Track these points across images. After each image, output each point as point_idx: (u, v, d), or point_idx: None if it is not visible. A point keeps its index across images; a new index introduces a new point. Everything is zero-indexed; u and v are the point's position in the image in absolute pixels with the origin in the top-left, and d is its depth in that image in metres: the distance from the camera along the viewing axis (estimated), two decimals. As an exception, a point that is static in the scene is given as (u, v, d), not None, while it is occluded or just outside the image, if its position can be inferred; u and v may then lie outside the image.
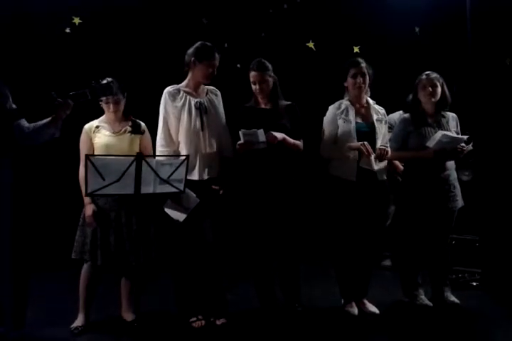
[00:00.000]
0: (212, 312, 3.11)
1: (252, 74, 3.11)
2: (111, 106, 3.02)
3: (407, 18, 4.80)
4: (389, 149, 3.17)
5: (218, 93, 3.19)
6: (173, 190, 2.61)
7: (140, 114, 3.19)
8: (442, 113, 3.37)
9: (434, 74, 3.33)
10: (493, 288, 3.71)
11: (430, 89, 3.29)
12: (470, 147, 3.31)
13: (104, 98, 2.90)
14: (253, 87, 3.14)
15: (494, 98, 4.17)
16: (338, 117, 3.22)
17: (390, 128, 3.51)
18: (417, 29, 4.95)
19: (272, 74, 3.15)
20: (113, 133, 3.04)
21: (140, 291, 3.16)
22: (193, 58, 3.02)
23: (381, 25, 4.77)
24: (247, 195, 3.15)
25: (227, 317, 3.11)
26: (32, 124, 2.76)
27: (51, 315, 3.24)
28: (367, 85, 3.24)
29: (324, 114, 3.32)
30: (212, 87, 3.19)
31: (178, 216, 2.96)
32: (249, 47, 4.58)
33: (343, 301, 3.32)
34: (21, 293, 2.79)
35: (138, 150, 2.99)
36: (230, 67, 4.29)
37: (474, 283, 3.78)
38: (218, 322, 3.09)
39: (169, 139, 3.03)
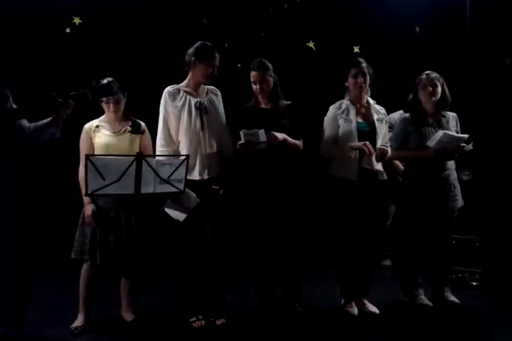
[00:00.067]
0: (212, 312, 3.11)
1: (253, 74, 3.11)
2: (111, 105, 3.02)
3: (407, 18, 4.79)
4: (389, 149, 3.17)
5: (218, 93, 3.19)
6: (173, 189, 2.61)
7: (140, 113, 3.19)
8: (442, 112, 3.37)
9: (434, 74, 3.33)
10: (493, 287, 3.71)
11: (430, 88, 3.29)
12: (470, 146, 3.31)
13: (104, 98, 2.90)
14: (253, 86, 3.14)
15: (494, 98, 4.17)
16: (338, 117, 3.22)
17: (391, 127, 3.51)
18: (417, 29, 4.95)
19: (273, 74, 3.15)
20: (113, 132, 3.04)
21: (140, 291, 3.15)
22: (193, 58, 3.02)
23: (381, 25, 4.77)
24: (247, 195, 3.15)
25: (227, 318, 3.11)
26: (32, 124, 2.76)
27: (51, 315, 3.23)
28: (367, 85, 3.24)
29: (324, 114, 3.32)
30: (212, 87, 3.19)
31: (178, 216, 2.95)
32: (249, 47, 4.58)
33: (343, 301, 3.32)
34: (22, 293, 2.79)
35: (138, 150, 2.98)
36: (230, 67, 4.29)
37: (474, 283, 3.78)
38: (218, 322, 3.09)
39: (169, 139, 3.03)
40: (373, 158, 3.12)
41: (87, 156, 2.47)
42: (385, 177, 3.28)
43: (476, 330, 3.05)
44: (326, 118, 3.30)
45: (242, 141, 2.99)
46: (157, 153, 3.02)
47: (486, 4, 4.16)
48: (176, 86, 3.09)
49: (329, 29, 4.85)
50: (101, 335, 2.99)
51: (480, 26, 4.11)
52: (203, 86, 3.14)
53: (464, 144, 3.25)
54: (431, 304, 3.35)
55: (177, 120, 3.03)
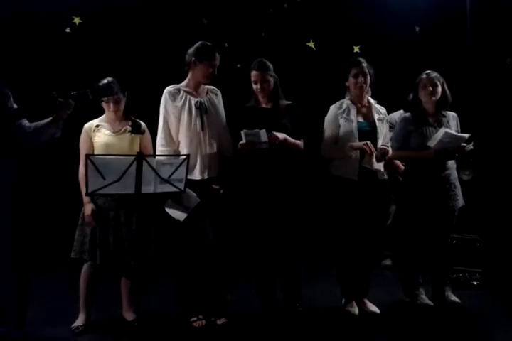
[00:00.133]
0: (213, 312, 3.11)
1: (254, 73, 3.11)
2: (111, 105, 3.02)
3: (407, 18, 4.80)
4: (390, 149, 3.17)
5: (218, 93, 3.19)
6: (174, 189, 2.61)
7: (140, 113, 3.19)
8: (443, 112, 3.37)
9: (435, 74, 3.33)
10: (493, 287, 3.70)
11: (430, 88, 3.29)
12: (471, 146, 3.31)
13: (105, 98, 2.91)
14: (254, 86, 3.14)
15: (495, 97, 4.17)
16: (339, 117, 3.22)
17: (391, 127, 3.51)
18: (417, 29, 4.95)
19: (273, 73, 3.15)
20: (113, 132, 3.04)
21: (140, 291, 3.16)
22: (193, 58, 3.02)
23: (381, 25, 4.77)
24: (247, 195, 3.15)
25: (227, 317, 3.11)
26: (33, 124, 2.76)
27: (52, 315, 3.24)
28: (368, 85, 3.24)
29: (325, 114, 3.32)
30: (212, 87, 3.19)
31: (179, 215, 2.95)
32: (249, 47, 4.58)
33: (343, 301, 3.32)
34: (22, 293, 2.79)
35: (138, 150, 2.99)
36: (231, 67, 4.29)
37: (475, 283, 3.78)
38: (219, 322, 3.09)
39: (169, 139, 3.03)
40: (373, 158, 3.12)
41: (87, 156, 2.47)
42: (386, 176, 3.28)
43: (476, 330, 3.04)
44: (326, 118, 3.30)
45: (243, 141, 2.99)
46: (157, 153, 3.02)
47: (486, 4, 4.17)
48: (176, 86, 3.09)
49: (329, 29, 4.85)
50: (102, 335, 2.99)
51: (480, 26, 4.12)
52: (203, 86, 3.14)
53: (465, 144, 3.25)
54: (431, 303, 3.34)
55: (177, 120, 3.03)
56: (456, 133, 3.27)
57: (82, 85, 2.83)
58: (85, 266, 3.04)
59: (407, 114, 3.41)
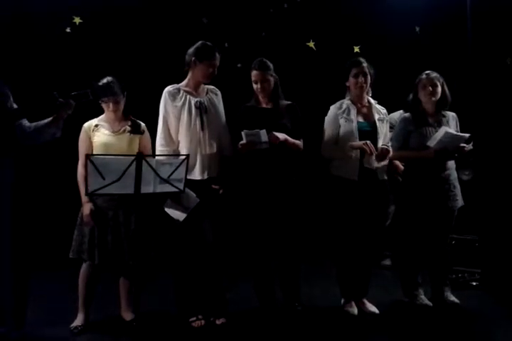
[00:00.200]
0: (212, 311, 3.12)
1: (254, 73, 3.11)
2: (110, 105, 3.02)
3: (407, 18, 4.79)
4: (391, 149, 3.17)
5: (218, 92, 3.20)
6: (173, 189, 2.61)
7: (140, 113, 3.19)
8: (442, 112, 3.37)
9: (434, 74, 3.33)
10: (492, 287, 3.71)
11: (430, 88, 3.29)
12: (470, 146, 3.31)
13: (105, 98, 2.91)
14: (254, 86, 3.14)
15: (494, 97, 4.17)
16: (339, 117, 3.22)
17: (391, 127, 3.50)
18: (417, 28, 4.95)
19: (274, 73, 3.15)
20: (112, 132, 3.04)
21: (139, 291, 3.15)
22: (193, 58, 3.02)
23: (381, 25, 4.77)
24: (247, 195, 3.15)
25: (226, 317, 3.12)
26: (33, 124, 2.76)
27: (51, 315, 3.24)
28: (368, 85, 3.25)
29: (325, 114, 3.32)
30: (212, 87, 3.19)
31: (178, 215, 2.96)
32: (249, 47, 4.58)
33: (342, 301, 3.33)
34: (21, 293, 2.79)
35: (137, 150, 2.99)
36: (231, 67, 4.29)
37: (474, 283, 3.78)
38: (218, 322, 3.09)
39: (169, 139, 3.03)
40: (373, 157, 3.12)
41: (87, 156, 2.47)
42: (386, 177, 3.28)
43: (475, 330, 3.05)
44: (326, 118, 3.30)
45: (244, 141, 2.99)
46: (157, 153, 3.02)
47: (486, 4, 4.17)
48: (175, 85, 3.09)
49: (329, 29, 4.85)
50: (101, 335, 2.99)
51: (480, 26, 4.11)
52: (202, 85, 3.14)
53: (464, 144, 3.25)
54: (431, 304, 3.35)
55: (177, 120, 3.03)
56: (456, 133, 3.27)
57: (82, 85, 2.84)
58: (84, 266, 3.04)
59: (407, 114, 3.41)
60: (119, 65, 4.22)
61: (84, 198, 2.97)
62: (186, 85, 3.10)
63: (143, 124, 3.14)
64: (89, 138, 3.03)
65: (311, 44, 4.92)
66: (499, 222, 3.97)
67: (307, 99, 4.23)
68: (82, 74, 4.00)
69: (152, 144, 3.12)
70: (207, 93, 3.14)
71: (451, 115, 3.41)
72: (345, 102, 3.28)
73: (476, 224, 4.03)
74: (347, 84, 3.28)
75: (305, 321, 3.13)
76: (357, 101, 3.27)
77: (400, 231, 3.50)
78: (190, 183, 2.86)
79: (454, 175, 3.38)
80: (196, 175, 3.00)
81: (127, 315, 3.12)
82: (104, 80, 2.97)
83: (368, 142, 3.07)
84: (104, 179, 2.45)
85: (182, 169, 2.61)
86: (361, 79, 3.20)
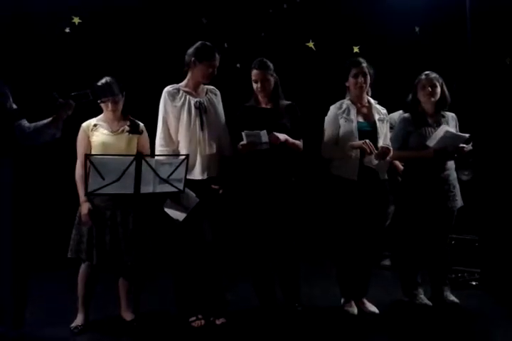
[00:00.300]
0: (212, 311, 3.12)
1: (254, 72, 3.12)
2: (109, 105, 3.01)
3: (407, 18, 4.79)
4: (391, 148, 3.17)
5: (218, 93, 3.19)
6: (173, 189, 2.61)
7: (139, 113, 3.19)
8: (442, 113, 3.38)
9: (434, 74, 3.33)
10: (492, 287, 3.71)
11: (429, 89, 3.29)
12: (470, 147, 3.32)
13: (105, 98, 2.91)
14: (254, 85, 3.14)
15: (494, 97, 4.17)
16: (339, 117, 3.22)
17: (391, 128, 3.50)
18: (417, 29, 4.95)
19: (274, 73, 3.15)
20: (111, 132, 3.04)
21: (139, 291, 3.15)
22: (193, 58, 3.02)
23: (381, 25, 4.77)
24: (246, 195, 3.15)
25: (226, 317, 3.12)
26: (33, 124, 2.76)
27: (50, 315, 3.24)
28: (368, 85, 3.25)
29: (325, 114, 3.32)
30: (211, 87, 3.19)
31: (178, 215, 2.95)
32: (249, 47, 4.58)
33: (342, 300, 3.33)
34: (21, 293, 2.79)
35: (135, 150, 2.99)
36: (230, 67, 4.29)
37: (474, 283, 3.79)
38: (218, 322, 3.09)
39: (169, 139, 3.03)
40: (373, 156, 3.12)
41: (86, 156, 2.47)
42: (386, 177, 3.28)
43: (475, 330, 3.05)
44: (326, 118, 3.30)
45: (244, 142, 2.98)
46: (157, 153, 3.01)
47: (486, 4, 4.17)
48: (175, 86, 3.09)
49: (329, 29, 4.85)
50: (100, 335, 2.99)
51: (480, 26, 4.11)
52: (202, 86, 3.14)
53: (464, 145, 3.25)
54: (430, 303, 3.35)
55: (176, 120, 3.03)
56: (456, 132, 3.27)
57: (81, 85, 2.84)
58: (83, 266, 3.04)
59: (407, 115, 3.41)
60: (119, 65, 4.22)
61: (82, 198, 2.97)
62: (186, 85, 3.10)
63: (141, 124, 3.13)
64: (88, 138, 3.03)
65: (311, 44, 4.92)
66: (499, 222, 3.97)
67: (307, 99, 4.23)
68: (82, 74, 4.00)
69: (151, 144, 3.12)
70: (206, 93, 3.15)
71: (450, 115, 3.41)
72: (345, 102, 3.28)
73: (476, 224, 4.03)
74: (346, 84, 3.28)
75: (305, 321, 3.13)
76: (357, 101, 3.27)
77: (399, 231, 3.50)
78: (189, 183, 2.86)
79: (453, 175, 3.38)
80: (196, 175, 3.00)
81: (127, 315, 3.12)
82: (103, 80, 2.97)
83: (367, 141, 3.07)
84: (103, 179, 2.45)
85: (182, 169, 2.60)
86: (361, 79, 3.20)
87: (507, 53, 4.41)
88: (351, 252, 3.25)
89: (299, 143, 3.19)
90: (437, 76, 3.33)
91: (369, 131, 3.20)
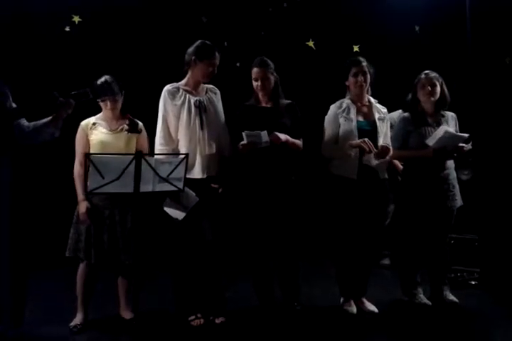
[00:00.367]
0: (211, 310, 3.12)
1: (255, 70, 3.11)
2: (108, 103, 3.01)
3: (407, 18, 4.79)
4: (391, 147, 3.16)
5: (217, 92, 3.19)
6: (173, 188, 2.61)
7: (139, 112, 3.18)
8: (442, 112, 3.38)
9: (433, 74, 3.33)
10: (491, 287, 3.71)
11: (429, 88, 3.29)
12: (469, 146, 3.32)
13: (105, 97, 2.91)
14: (254, 83, 3.14)
15: (494, 97, 4.17)
16: (339, 116, 3.22)
17: (390, 127, 3.50)
18: (417, 28, 4.95)
19: (274, 72, 3.15)
20: (110, 130, 3.04)
21: (138, 290, 3.14)
22: (193, 57, 3.02)
23: (381, 24, 4.77)
24: (246, 194, 3.15)
25: (226, 316, 3.11)
26: (32, 123, 2.76)
27: (49, 314, 3.24)
28: (368, 84, 3.24)
29: (325, 113, 3.32)
30: (211, 86, 3.19)
31: (178, 214, 2.95)
32: (249, 46, 4.58)
33: (342, 300, 3.33)
34: (20, 292, 2.79)
35: (134, 149, 2.98)
36: (230, 66, 4.29)
37: (473, 282, 3.79)
38: (217, 321, 3.09)
39: (168, 137, 3.02)
40: (372, 155, 3.11)
41: (86, 155, 2.47)
42: (386, 176, 3.28)
43: (474, 329, 3.05)
44: (326, 117, 3.30)
45: (245, 142, 2.98)
46: (156, 152, 3.01)
47: (486, 4, 4.17)
48: (175, 84, 3.09)
49: (329, 28, 4.85)
50: (100, 333, 2.99)
51: (479, 26, 4.11)
52: (202, 85, 3.14)
53: (463, 144, 3.25)
54: (429, 303, 3.35)
55: (176, 118, 3.03)
56: (455, 133, 3.27)
57: (81, 84, 2.83)
58: (81, 266, 3.03)
59: (406, 114, 3.41)
60: (119, 64, 4.22)
61: (80, 196, 2.96)
62: (186, 84, 3.10)
63: (140, 123, 3.12)
64: (87, 136, 3.03)
65: (311, 43, 4.92)
66: (498, 222, 3.97)
67: (307, 98, 4.23)
68: (81, 72, 4.00)
69: (150, 143, 3.12)
70: (206, 92, 3.14)
71: (450, 115, 3.41)
72: (346, 101, 3.27)
73: (475, 223, 4.03)
74: (347, 83, 3.28)
75: (304, 320, 3.13)
76: (357, 100, 3.27)
77: (399, 230, 3.50)
78: (189, 182, 2.85)
79: (453, 174, 3.38)
80: (195, 174, 3.00)
81: (126, 314, 3.12)
82: (103, 79, 2.97)
83: (366, 139, 3.07)
84: (103, 178, 2.44)
85: (181, 168, 2.60)
86: (361, 78, 3.20)
87: (507, 53, 4.41)
88: (351, 251, 3.25)
89: (299, 142, 3.19)
90: (437, 75, 3.33)
91: (369, 130, 3.20)
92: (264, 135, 2.94)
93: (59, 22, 4.45)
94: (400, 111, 3.81)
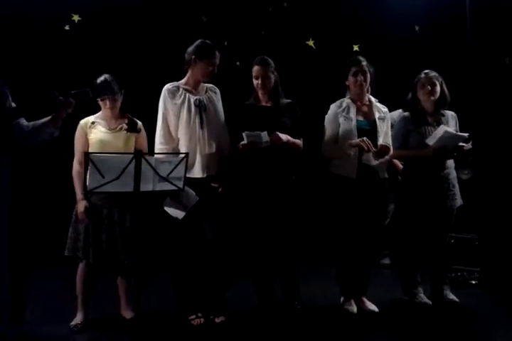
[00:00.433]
0: (212, 310, 3.12)
1: (255, 68, 3.11)
2: (108, 102, 3.00)
3: (406, 17, 4.79)
4: (391, 147, 3.16)
5: (217, 91, 3.19)
6: (173, 187, 2.60)
7: (139, 111, 3.18)
8: (441, 111, 3.38)
9: (433, 73, 3.33)
10: (492, 286, 3.71)
11: (429, 87, 3.29)
12: (469, 146, 3.32)
13: (105, 96, 2.90)
14: (255, 82, 3.14)
15: (493, 97, 4.18)
16: (339, 115, 3.22)
17: (391, 126, 3.50)
18: (416, 28, 4.95)
19: (275, 71, 3.15)
20: (109, 129, 3.03)
21: (139, 289, 3.14)
22: (193, 56, 3.02)
23: (381, 24, 4.76)
24: (246, 193, 3.15)
25: (226, 315, 3.11)
26: (31, 123, 2.76)
27: (49, 313, 3.23)
28: (368, 83, 3.24)
29: (325, 113, 3.32)
30: (211, 85, 3.19)
31: (177, 214, 2.95)
32: (249, 46, 4.58)
33: (342, 299, 3.32)
34: (20, 292, 2.79)
35: (133, 149, 2.98)
36: (230, 66, 4.29)
37: (473, 282, 3.79)
38: (217, 320, 3.09)
39: (168, 136, 3.02)
40: (371, 154, 3.11)
41: (86, 154, 2.46)
42: (386, 175, 3.28)
43: (474, 329, 3.05)
44: (326, 116, 3.30)
45: (245, 142, 2.98)
46: (156, 151, 3.01)
47: (486, 4, 4.17)
48: (175, 83, 3.08)
49: (329, 27, 4.85)
50: (100, 333, 2.99)
51: (479, 26, 4.12)
52: (202, 84, 3.14)
53: (463, 144, 3.25)
54: (430, 302, 3.35)
55: (176, 117, 3.02)
56: (455, 132, 3.27)
57: (80, 83, 2.83)
58: (81, 265, 3.03)
59: (406, 114, 3.41)
60: (119, 63, 4.21)
61: (79, 195, 2.96)
62: (186, 83, 3.10)
63: (139, 122, 3.13)
64: (86, 135, 3.02)
65: (311, 43, 4.92)
66: (498, 221, 3.97)
67: (307, 97, 4.23)
68: (81, 71, 3.99)
69: (149, 142, 3.11)
70: (206, 91, 3.14)
71: (450, 114, 3.41)
72: (346, 101, 3.27)
73: (476, 222, 4.03)
74: (347, 82, 3.28)
75: (304, 319, 3.13)
76: (357, 99, 3.26)
77: (399, 230, 3.50)
78: (189, 181, 2.85)
79: (453, 174, 3.38)
80: (195, 173, 3.00)
81: (127, 314, 3.12)
82: (102, 78, 2.97)
83: (365, 138, 3.06)
84: (103, 177, 2.44)
85: (181, 167, 2.60)
86: (360, 77, 3.20)
87: (506, 53, 4.41)
88: (351, 251, 3.25)
89: (299, 142, 3.19)
90: (437, 75, 3.33)
91: (369, 129, 3.20)
92: (265, 135, 2.94)
93: (58, 21, 4.45)
94: (400, 110, 3.80)
